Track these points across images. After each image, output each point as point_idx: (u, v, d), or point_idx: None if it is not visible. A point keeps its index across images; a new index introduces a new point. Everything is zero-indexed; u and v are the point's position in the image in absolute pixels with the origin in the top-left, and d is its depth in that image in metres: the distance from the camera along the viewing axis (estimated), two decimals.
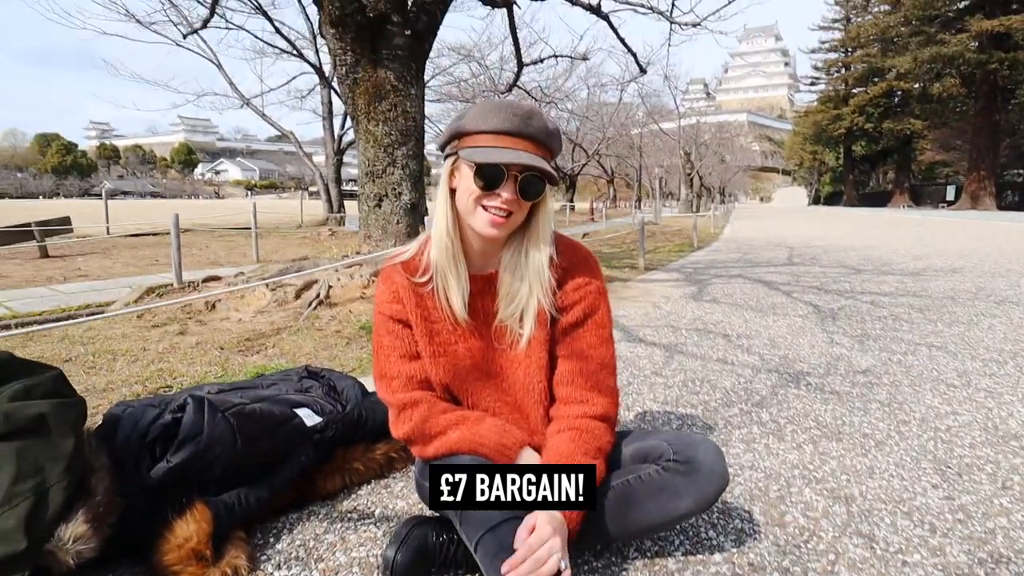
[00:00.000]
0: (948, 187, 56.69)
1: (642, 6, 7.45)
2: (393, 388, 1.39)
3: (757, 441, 2.13)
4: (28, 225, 9.18)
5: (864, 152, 64.41)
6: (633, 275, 7.03)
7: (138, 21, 12.39)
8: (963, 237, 13.23)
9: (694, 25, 7.55)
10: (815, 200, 76.42)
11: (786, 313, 4.53)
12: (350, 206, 19.30)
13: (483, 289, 1.39)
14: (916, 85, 53.32)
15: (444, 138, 1.35)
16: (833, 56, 64.94)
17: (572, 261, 1.41)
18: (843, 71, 63.19)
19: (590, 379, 1.37)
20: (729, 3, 7.30)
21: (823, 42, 66.18)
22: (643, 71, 9.74)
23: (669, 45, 8.31)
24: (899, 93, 56.17)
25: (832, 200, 71.68)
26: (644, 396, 2.64)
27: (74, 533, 1.27)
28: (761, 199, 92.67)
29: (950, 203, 52.82)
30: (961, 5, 47.63)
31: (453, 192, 1.33)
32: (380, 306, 1.42)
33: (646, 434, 1.46)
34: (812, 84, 70.72)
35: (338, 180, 18.74)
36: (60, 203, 49.25)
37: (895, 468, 1.90)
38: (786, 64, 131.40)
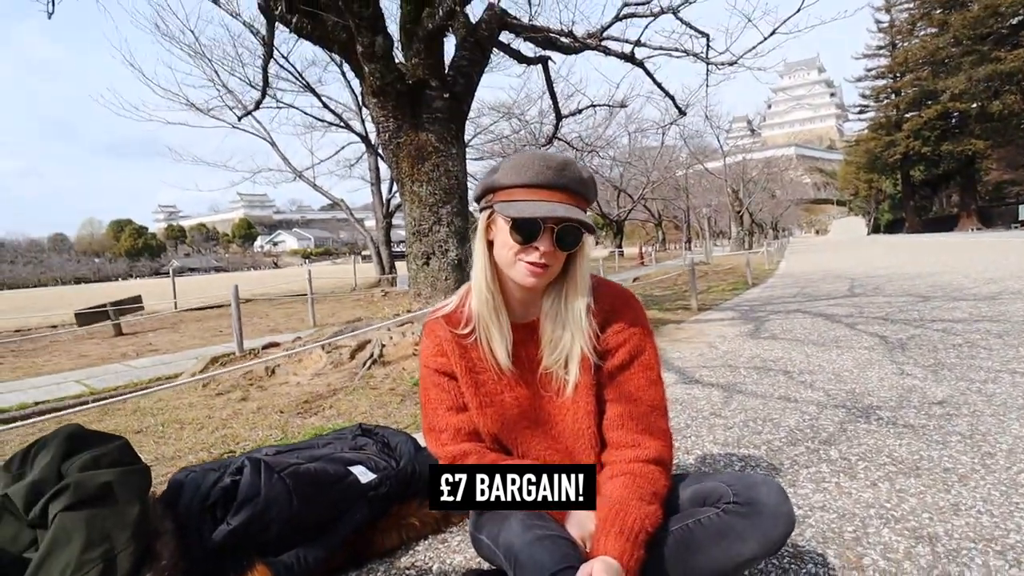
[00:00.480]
0: (1020, 207, 53.79)
1: (676, 50, 7.54)
2: (442, 441, 1.39)
3: (827, 480, 2.01)
4: (104, 306, 9.81)
5: (923, 176, 62.01)
6: (686, 316, 6.89)
7: (197, 109, 13.40)
8: None
9: (731, 64, 7.56)
10: (874, 229, 73.65)
11: (851, 346, 4.33)
12: (401, 267, 19.81)
13: (526, 338, 1.40)
14: (974, 104, 51.47)
15: (479, 192, 1.38)
16: (881, 83, 63.62)
17: (613, 304, 1.40)
18: (893, 96, 61.68)
19: (641, 422, 1.34)
20: (765, 40, 7.32)
21: (869, 70, 65.05)
22: (683, 113, 9.78)
23: (707, 86, 8.29)
24: (956, 114, 54.22)
25: (893, 228, 68.92)
26: (703, 438, 2.54)
27: None
28: (817, 232, 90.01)
29: (1023, 223, 50.01)
30: (1015, 21, 46.29)
31: (490, 244, 1.35)
32: (425, 360, 1.43)
33: (704, 476, 1.40)
34: (861, 112, 69.22)
35: (388, 242, 19.34)
36: (132, 283, 52.50)
37: (983, 504, 1.75)
38: (832, 95, 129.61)
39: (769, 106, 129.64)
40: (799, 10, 6.55)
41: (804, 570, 1.49)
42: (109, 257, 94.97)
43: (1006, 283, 7.67)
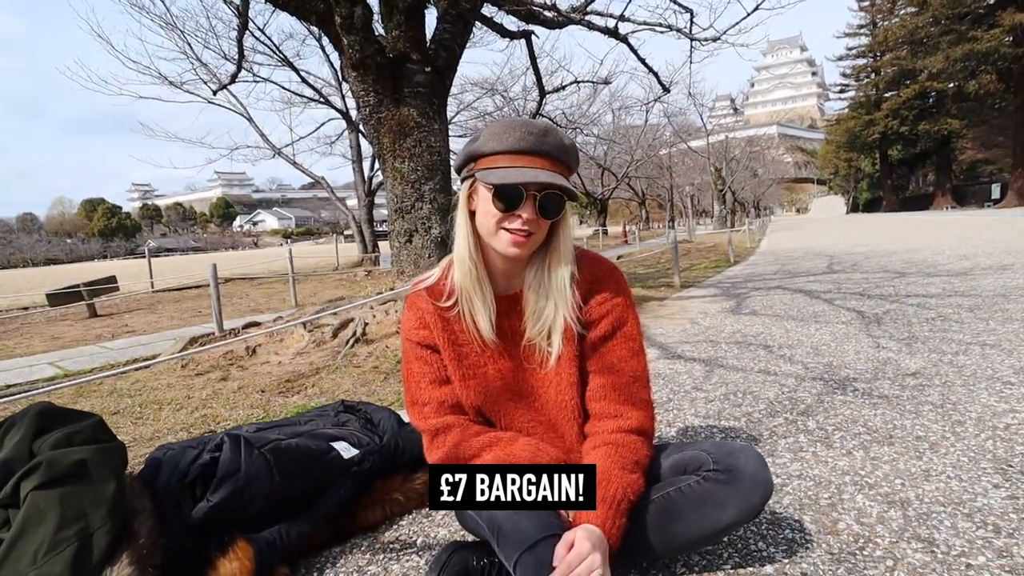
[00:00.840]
0: (993, 185, 54.77)
1: (660, 25, 7.48)
2: (425, 414, 1.38)
3: (804, 450, 2.04)
4: (77, 286, 9.59)
5: (901, 156, 62.82)
6: (669, 293, 6.94)
7: (170, 82, 13.04)
8: (1011, 234, 12.69)
9: (714, 40, 7.52)
10: (853, 208, 74.59)
11: (828, 321, 4.39)
12: (384, 246, 19.66)
13: (509, 309, 1.39)
14: (951, 84, 52.05)
15: (459, 161, 1.36)
16: (861, 62, 63.94)
17: (596, 275, 1.40)
18: (873, 76, 62.08)
19: (623, 392, 1.35)
20: (748, 15, 7.27)
21: (850, 48, 65.26)
22: (666, 90, 9.76)
23: (691, 62, 8.28)
24: (933, 94, 54.81)
25: (871, 207, 69.84)
26: (685, 411, 2.57)
27: None
28: (798, 210, 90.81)
29: (996, 202, 50.94)
30: (991, 1, 46.63)
31: (472, 215, 1.33)
32: (407, 333, 1.42)
33: (684, 446, 1.42)
34: (842, 92, 69.60)
35: (371, 221, 19.15)
36: (107, 264, 51.51)
37: (952, 470, 1.80)
38: (813, 74, 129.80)
39: (752, 84, 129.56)
40: None
41: (781, 535, 1.52)
42: (81, 237, 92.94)
43: (978, 259, 7.82)
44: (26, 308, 10.80)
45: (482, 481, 1.19)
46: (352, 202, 21.09)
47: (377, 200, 19.62)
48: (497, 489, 1.18)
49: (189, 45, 12.73)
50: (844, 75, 67.12)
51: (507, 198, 1.24)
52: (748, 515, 1.25)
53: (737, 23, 7.38)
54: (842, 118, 67.68)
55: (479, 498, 1.19)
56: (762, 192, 55.19)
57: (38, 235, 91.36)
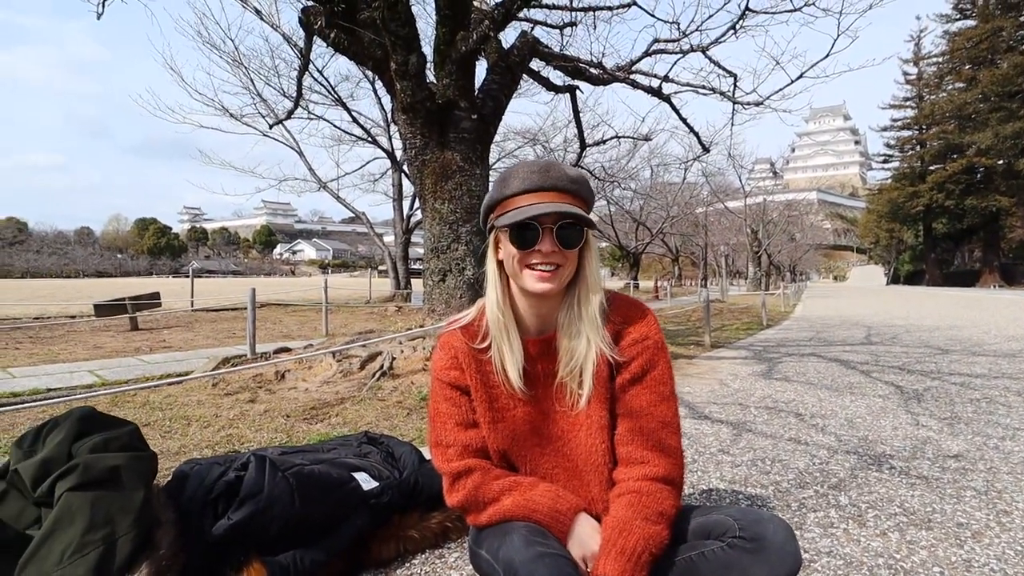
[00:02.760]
0: None
1: (703, 87, 7.62)
2: (448, 456, 1.37)
3: (835, 526, 1.96)
4: (123, 300, 9.94)
5: (946, 230, 61.40)
6: (699, 352, 6.84)
7: (231, 115, 13.74)
8: None
9: (757, 105, 7.61)
10: (894, 279, 72.85)
11: (864, 393, 4.26)
12: (416, 283, 19.90)
13: (542, 352, 1.38)
14: (1000, 161, 51.10)
15: (482, 217, 1.40)
16: (907, 133, 63.36)
17: (628, 316, 1.38)
18: (918, 148, 61.37)
19: (650, 438, 1.32)
20: (792, 83, 7.35)
21: (895, 120, 64.86)
22: (706, 150, 9.84)
23: (732, 124, 8.34)
24: (981, 169, 53.76)
25: (913, 279, 68.10)
26: (710, 474, 2.50)
27: None
28: (835, 278, 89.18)
29: None
30: None
31: (500, 264, 1.35)
32: (438, 372, 1.41)
33: (709, 509, 1.38)
34: (885, 161, 68.89)
35: (405, 258, 19.47)
36: (152, 280, 53.24)
37: (996, 562, 1.71)
38: (856, 142, 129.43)
39: (793, 149, 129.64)
40: (827, 56, 6.60)
41: None
42: (132, 254, 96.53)
43: None
44: (73, 317, 11.20)
45: (501, 528, 1.19)
46: (389, 238, 21.52)
47: (413, 238, 20.00)
48: (514, 537, 1.17)
49: (252, 82, 13.48)
50: (888, 145, 66.53)
51: (523, 235, 1.25)
52: None
53: (780, 90, 7.46)
54: (885, 188, 66.77)
55: (496, 545, 1.18)
56: (799, 257, 54.47)
57: (92, 248, 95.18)
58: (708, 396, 4.22)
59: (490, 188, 1.38)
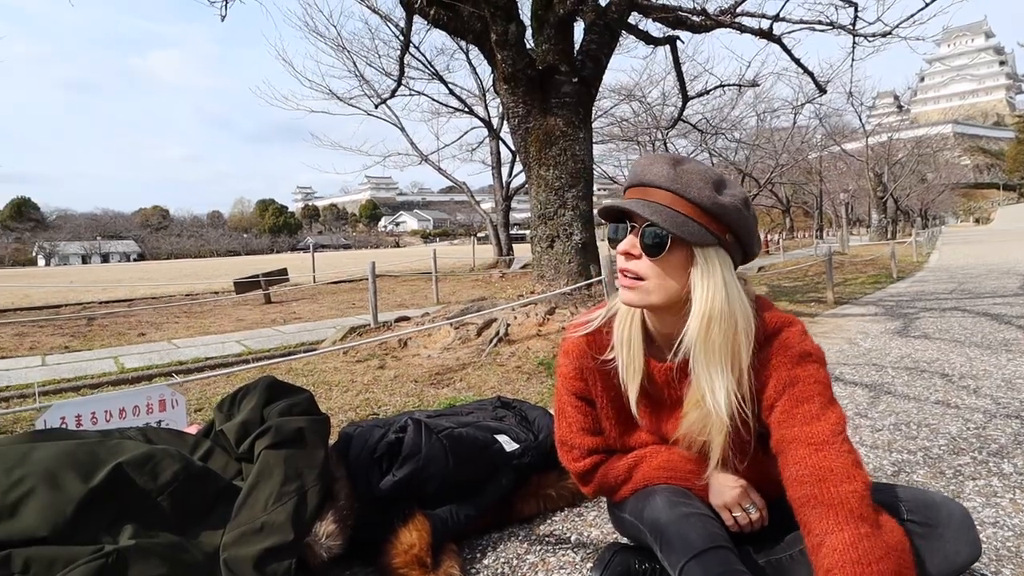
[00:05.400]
0: None
1: (820, 23, 7.03)
2: (573, 457, 1.39)
3: (1000, 495, 1.86)
4: (256, 276, 10.90)
5: None
6: (821, 309, 6.50)
7: (338, 98, 14.42)
8: None
9: (883, 36, 6.93)
10: None
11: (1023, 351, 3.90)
12: (517, 248, 20.16)
13: (670, 380, 1.26)
14: None
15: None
16: None
17: (766, 337, 1.18)
18: None
19: (809, 476, 1.07)
20: (927, 6, 6.58)
21: None
22: (823, 91, 9.14)
23: (853, 60, 7.67)
24: None
25: None
26: (850, 438, 2.43)
27: (326, 531, 1.50)
28: (977, 220, 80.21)
29: None
30: None
31: None
32: (563, 380, 1.36)
33: (873, 488, 1.32)
34: None
35: (507, 224, 19.74)
36: (274, 257, 57.62)
37: None
38: (1002, 63, 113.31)
39: (922, 79, 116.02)
40: None
41: None
42: (255, 233, 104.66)
43: None
44: (216, 293, 12.48)
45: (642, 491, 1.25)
46: (486, 205, 21.86)
47: (512, 204, 20.18)
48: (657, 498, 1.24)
49: (355, 64, 14.06)
50: None
51: (614, 229, 1.17)
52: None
53: (912, 16, 6.73)
54: None
55: (640, 506, 1.25)
56: (931, 199, 49.49)
57: (222, 230, 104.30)
58: (837, 357, 4.04)
59: None
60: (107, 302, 11.57)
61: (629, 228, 1.14)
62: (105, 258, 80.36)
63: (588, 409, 1.35)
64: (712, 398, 1.14)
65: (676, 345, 1.18)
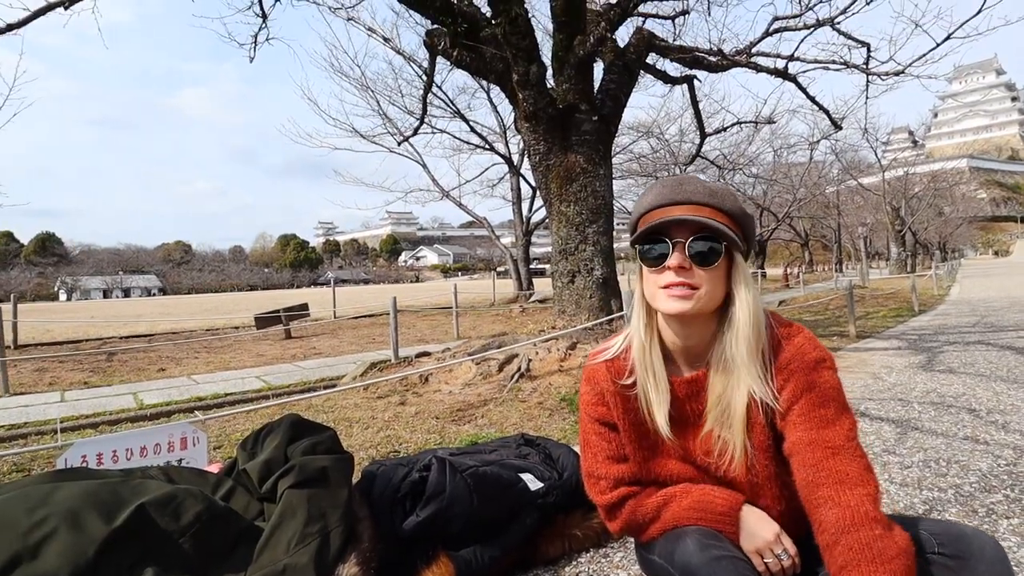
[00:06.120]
0: None
1: (833, 63, 7.11)
2: (601, 488, 1.36)
3: None
4: (277, 311, 11.02)
5: None
6: (844, 343, 6.40)
7: (361, 136, 14.76)
8: None
9: (896, 74, 6.99)
10: None
11: None
12: (538, 283, 20.20)
13: (692, 392, 1.29)
14: None
15: (631, 242, 1.33)
16: None
17: (778, 342, 1.24)
18: None
19: (823, 477, 1.13)
20: (937, 46, 6.64)
21: None
22: (838, 127, 9.18)
23: (867, 97, 7.71)
24: None
25: None
26: (878, 476, 2.36)
27: (348, 573, 1.47)
28: (995, 253, 78.89)
29: None
30: None
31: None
32: (586, 407, 1.38)
33: (900, 520, 1.31)
34: None
35: (527, 259, 19.83)
36: (299, 292, 58.34)
37: None
38: (1013, 99, 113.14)
39: (935, 115, 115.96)
40: (979, 11, 5.91)
41: None
42: (276, 267, 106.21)
43: None
44: (237, 327, 12.60)
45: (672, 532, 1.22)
46: (506, 239, 22.01)
47: (532, 239, 20.31)
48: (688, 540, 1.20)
49: (379, 103, 14.42)
50: None
51: (652, 251, 1.20)
52: None
53: (923, 55, 6.78)
54: None
55: (670, 549, 1.22)
56: (949, 232, 48.91)
57: (243, 264, 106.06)
58: (862, 392, 3.96)
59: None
60: (127, 337, 11.74)
61: (673, 244, 1.18)
62: (126, 293, 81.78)
63: (612, 435, 1.35)
64: (733, 383, 1.20)
65: (707, 352, 1.25)
